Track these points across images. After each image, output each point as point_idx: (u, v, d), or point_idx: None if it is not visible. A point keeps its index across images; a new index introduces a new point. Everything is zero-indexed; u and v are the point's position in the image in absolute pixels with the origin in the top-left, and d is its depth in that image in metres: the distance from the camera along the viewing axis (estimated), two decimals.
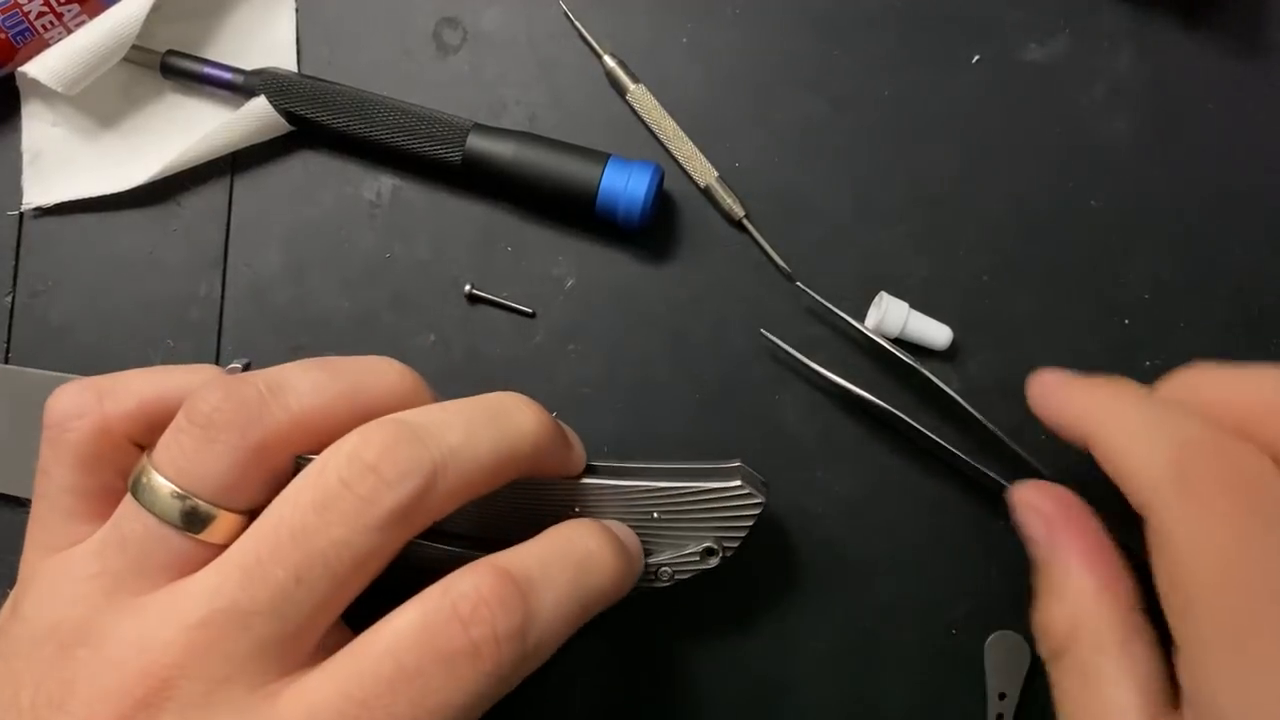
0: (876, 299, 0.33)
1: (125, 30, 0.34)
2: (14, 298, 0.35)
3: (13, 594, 0.25)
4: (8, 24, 0.34)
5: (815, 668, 0.32)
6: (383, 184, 0.36)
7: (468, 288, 0.34)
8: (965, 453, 0.31)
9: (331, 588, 0.22)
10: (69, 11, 0.35)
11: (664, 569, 0.28)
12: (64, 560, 0.24)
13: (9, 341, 0.35)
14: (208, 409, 0.23)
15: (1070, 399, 0.27)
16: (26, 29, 0.34)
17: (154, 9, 0.35)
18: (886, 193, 0.35)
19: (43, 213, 0.36)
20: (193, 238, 0.35)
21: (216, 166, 0.36)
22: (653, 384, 0.34)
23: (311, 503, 0.22)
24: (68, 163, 0.36)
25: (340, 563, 0.22)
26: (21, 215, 0.36)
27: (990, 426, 0.31)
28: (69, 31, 0.35)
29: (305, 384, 0.24)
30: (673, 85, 0.35)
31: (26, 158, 0.36)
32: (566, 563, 0.25)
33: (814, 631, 0.32)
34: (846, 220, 0.35)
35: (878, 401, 0.31)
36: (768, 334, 0.33)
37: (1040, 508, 0.27)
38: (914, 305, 0.34)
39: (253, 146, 0.36)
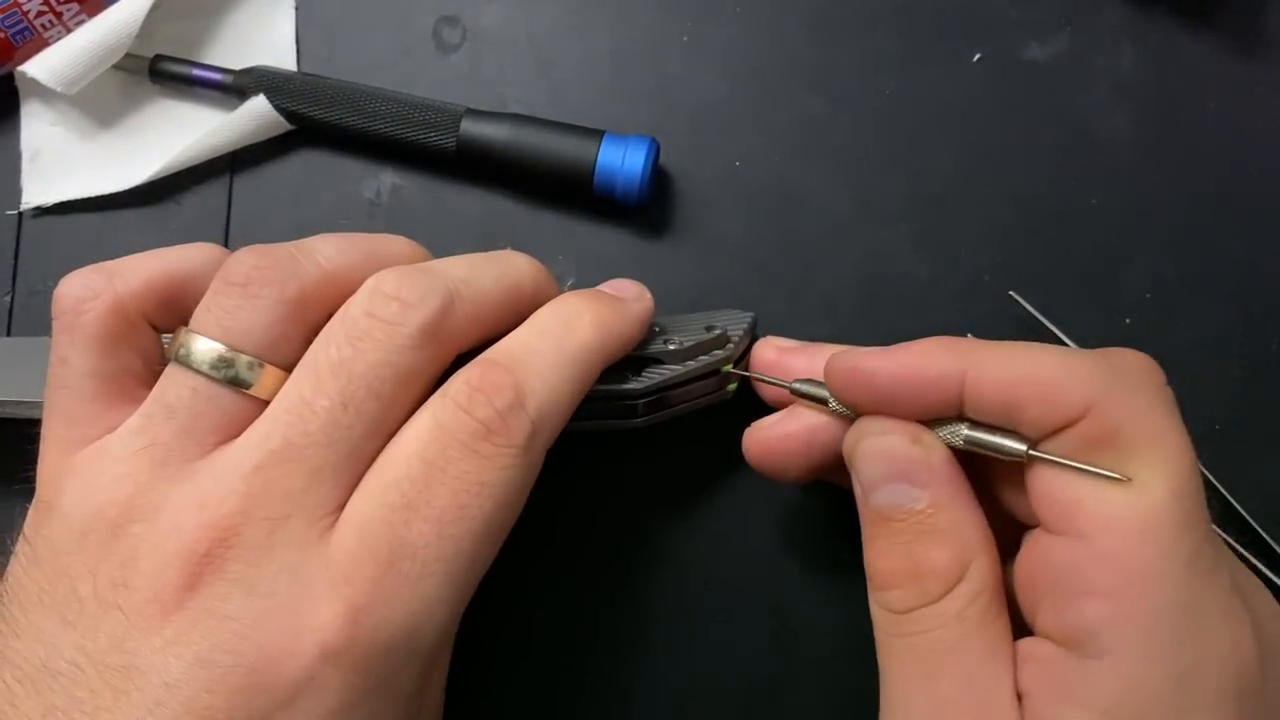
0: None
1: (125, 29, 0.34)
2: (13, 297, 0.35)
3: (39, 498, 0.24)
4: (7, 23, 0.34)
5: (815, 668, 0.32)
6: (382, 182, 0.35)
7: None
8: None
9: (379, 409, 0.23)
10: (68, 11, 0.35)
11: (672, 338, 0.29)
12: (99, 447, 0.24)
13: None
14: (245, 269, 0.24)
15: (936, 358, 0.24)
16: (26, 28, 0.34)
17: (153, 8, 0.35)
18: (886, 193, 0.35)
19: (42, 212, 0.36)
20: (193, 237, 0.35)
21: (216, 166, 0.36)
22: None
23: (344, 338, 0.24)
24: (67, 162, 0.36)
25: (382, 383, 0.23)
26: (21, 215, 0.36)
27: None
28: (68, 31, 0.35)
29: (330, 247, 0.26)
30: (673, 85, 0.35)
31: (26, 157, 0.36)
32: (547, 331, 0.26)
33: (814, 631, 0.32)
34: (846, 220, 0.35)
35: None
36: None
37: None
38: (914, 305, 0.34)
39: (252, 146, 0.35)
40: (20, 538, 0.24)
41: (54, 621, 0.22)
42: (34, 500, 0.24)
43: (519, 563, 0.29)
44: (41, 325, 0.35)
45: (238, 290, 0.24)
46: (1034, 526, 0.24)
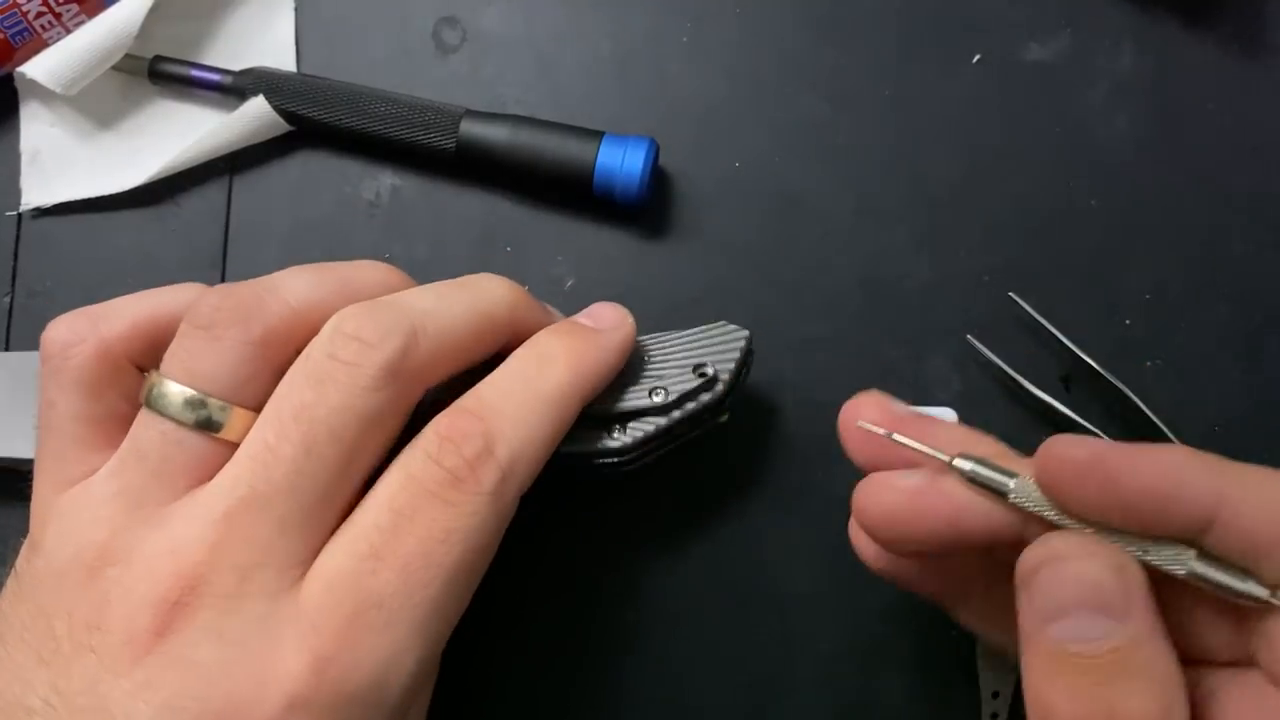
0: None
1: (124, 30, 0.34)
2: (12, 298, 0.35)
3: (29, 537, 0.24)
4: (6, 24, 0.34)
5: (815, 668, 0.32)
6: (381, 184, 0.35)
7: None
8: None
9: (342, 454, 0.23)
10: (68, 12, 0.35)
11: (658, 388, 0.29)
12: (81, 489, 0.24)
13: (7, 342, 0.35)
14: (209, 311, 0.24)
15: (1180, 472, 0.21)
16: (25, 29, 0.34)
17: (152, 9, 0.35)
18: (886, 193, 0.35)
19: (41, 213, 0.36)
20: (192, 238, 0.35)
21: (215, 167, 0.36)
22: None
23: (305, 381, 0.24)
24: (66, 163, 0.36)
25: (345, 428, 0.23)
26: (20, 215, 0.36)
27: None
28: (68, 32, 0.35)
29: (299, 283, 0.25)
30: (673, 85, 0.35)
31: (25, 158, 0.36)
32: (518, 374, 0.26)
33: (814, 632, 0.32)
34: (846, 220, 0.35)
35: (1072, 415, 0.31)
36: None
37: None
38: (914, 306, 0.34)
39: (251, 146, 0.35)
40: (12, 572, 0.24)
41: (31, 659, 0.22)
42: (27, 536, 0.25)
43: (519, 567, 0.29)
44: (41, 326, 0.35)
45: (202, 333, 0.24)
46: (1224, 662, 0.22)
